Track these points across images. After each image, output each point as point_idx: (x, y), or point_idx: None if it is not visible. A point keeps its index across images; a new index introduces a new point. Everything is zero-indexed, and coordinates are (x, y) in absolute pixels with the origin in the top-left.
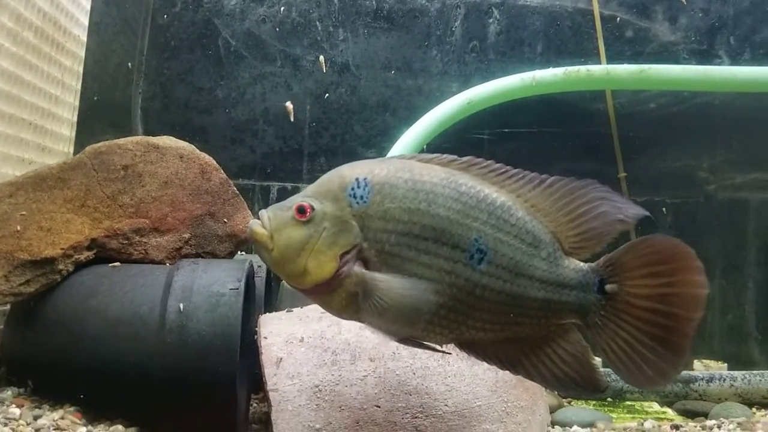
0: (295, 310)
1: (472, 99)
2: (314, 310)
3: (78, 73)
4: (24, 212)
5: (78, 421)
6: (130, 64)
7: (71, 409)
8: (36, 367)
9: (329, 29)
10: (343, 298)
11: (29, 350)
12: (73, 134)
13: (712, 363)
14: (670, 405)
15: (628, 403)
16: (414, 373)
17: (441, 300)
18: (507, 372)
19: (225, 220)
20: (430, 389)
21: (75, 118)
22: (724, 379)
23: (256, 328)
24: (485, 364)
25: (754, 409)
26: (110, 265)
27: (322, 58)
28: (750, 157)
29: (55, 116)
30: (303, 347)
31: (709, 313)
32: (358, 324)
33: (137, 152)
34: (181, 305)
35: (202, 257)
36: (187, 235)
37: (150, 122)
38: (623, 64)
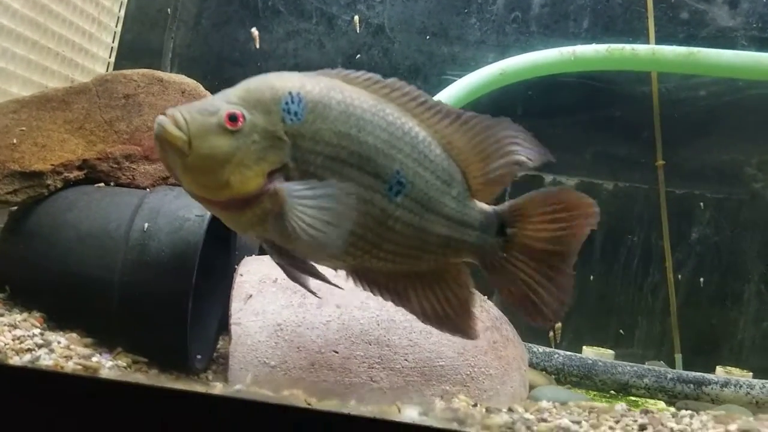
0: None
1: (505, 70)
2: None
3: (117, 14)
4: (24, 128)
5: (38, 325)
6: (169, 9)
7: (37, 314)
8: (13, 273)
9: None
10: (257, 215)
11: (10, 257)
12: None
13: (735, 370)
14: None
15: (632, 398)
16: (378, 324)
17: (352, 227)
18: (479, 337)
19: None
20: (392, 342)
21: (112, 59)
22: (741, 386)
23: (236, 267)
24: None
25: None
26: (95, 185)
27: (357, 18)
28: None
29: (89, 52)
30: (274, 287)
31: (740, 319)
32: (333, 272)
33: (141, 83)
34: (146, 225)
35: None
36: None
37: (182, 69)
38: (673, 46)
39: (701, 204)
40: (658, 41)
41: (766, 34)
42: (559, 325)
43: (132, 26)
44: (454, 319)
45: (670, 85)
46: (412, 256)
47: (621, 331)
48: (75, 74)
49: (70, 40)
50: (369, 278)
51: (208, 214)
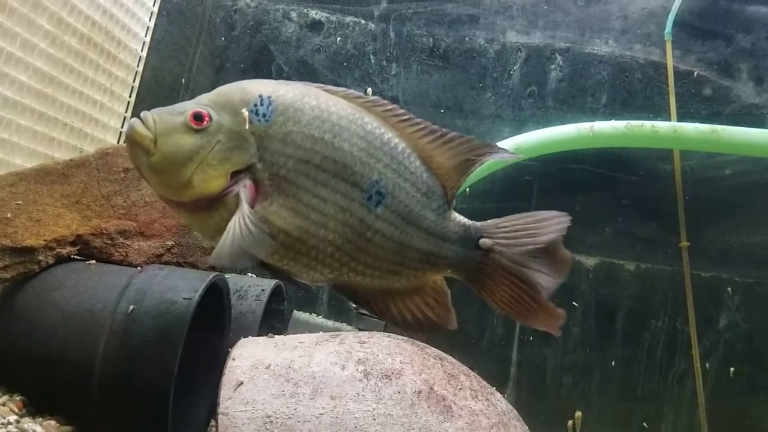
0: (277, 336)
1: (521, 145)
2: (293, 338)
3: (131, 84)
4: (20, 202)
5: (16, 411)
6: (183, 80)
7: (18, 398)
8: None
9: (382, 63)
10: (223, 218)
11: None
12: (121, 142)
13: None
14: None
15: None
16: (374, 419)
17: (330, 237)
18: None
19: None
20: None
21: (125, 128)
22: None
23: (230, 349)
24: (459, 422)
25: None
26: (87, 262)
27: (370, 90)
28: None
29: (99, 122)
30: (266, 374)
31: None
32: (330, 358)
33: None
34: (131, 307)
35: (182, 267)
36: (170, 243)
37: None
38: (695, 123)
39: (729, 289)
40: (680, 118)
41: None
42: (578, 414)
43: (146, 96)
44: (437, 322)
45: (694, 162)
46: (390, 270)
47: (645, 423)
48: (84, 144)
49: (80, 110)
50: (351, 292)
51: (197, 296)
